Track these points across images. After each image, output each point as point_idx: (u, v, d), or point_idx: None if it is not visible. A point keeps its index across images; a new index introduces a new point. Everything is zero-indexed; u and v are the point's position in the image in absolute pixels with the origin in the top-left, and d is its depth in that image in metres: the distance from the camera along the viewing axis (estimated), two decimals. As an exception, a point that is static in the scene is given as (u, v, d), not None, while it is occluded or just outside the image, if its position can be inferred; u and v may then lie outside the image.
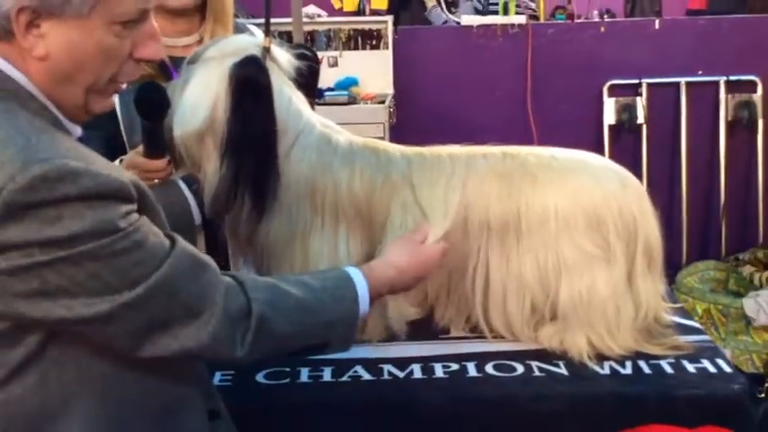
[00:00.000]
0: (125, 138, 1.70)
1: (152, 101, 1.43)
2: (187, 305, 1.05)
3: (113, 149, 1.61)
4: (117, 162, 1.59)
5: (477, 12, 4.20)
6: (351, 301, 1.22)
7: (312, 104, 1.57)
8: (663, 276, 1.55)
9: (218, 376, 1.44)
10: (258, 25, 1.88)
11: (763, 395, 2.20)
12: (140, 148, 1.52)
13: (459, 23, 4.19)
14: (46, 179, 0.93)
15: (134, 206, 1.02)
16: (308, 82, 1.53)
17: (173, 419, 1.14)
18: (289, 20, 3.31)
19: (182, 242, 1.08)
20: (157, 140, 1.47)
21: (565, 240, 1.45)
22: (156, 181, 1.53)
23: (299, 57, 1.50)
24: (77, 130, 1.12)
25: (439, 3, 4.62)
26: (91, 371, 1.05)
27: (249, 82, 1.37)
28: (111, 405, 1.07)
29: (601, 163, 1.56)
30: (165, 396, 1.13)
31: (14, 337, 1.00)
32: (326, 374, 1.44)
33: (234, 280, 1.13)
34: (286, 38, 3.34)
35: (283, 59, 1.47)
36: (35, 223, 0.93)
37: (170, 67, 1.71)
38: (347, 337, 1.23)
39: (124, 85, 1.13)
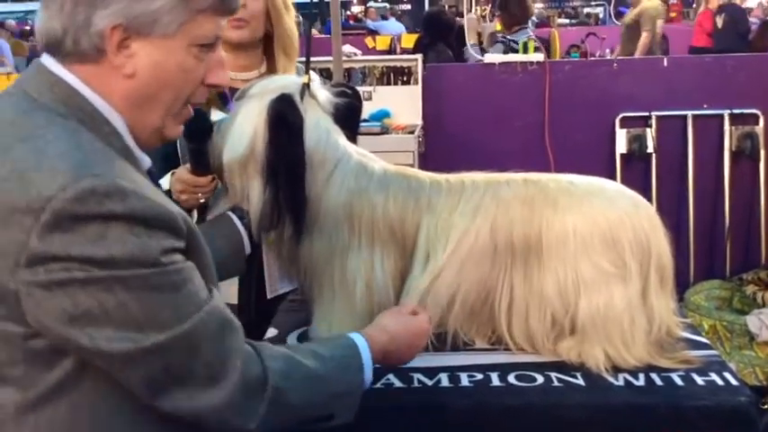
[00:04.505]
0: (180, 156, 1.73)
1: (195, 126, 1.46)
2: (208, 366, 0.95)
3: (169, 166, 1.66)
4: (169, 175, 1.63)
5: (504, 52, 4.21)
6: (357, 371, 1.15)
7: (354, 138, 1.59)
8: (674, 293, 1.53)
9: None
10: (300, 63, 1.91)
11: (766, 406, 2.15)
12: (188, 165, 1.59)
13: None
14: (95, 193, 0.87)
15: (181, 243, 0.94)
16: (347, 116, 1.54)
17: None
18: (329, 58, 3.36)
19: (217, 298, 0.98)
20: (201, 160, 1.53)
21: (583, 259, 1.44)
22: (202, 199, 1.57)
23: (341, 94, 1.52)
24: (147, 161, 1.05)
25: (479, 42, 4.64)
26: (122, 410, 0.95)
27: (281, 117, 1.40)
28: None
29: (615, 188, 1.55)
30: None
31: (51, 357, 0.92)
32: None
33: (250, 347, 1.02)
34: (325, 75, 3.37)
35: (322, 96, 1.50)
36: (79, 237, 0.86)
37: (228, 97, 1.74)
38: (352, 408, 1.15)
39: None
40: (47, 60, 0.99)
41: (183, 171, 1.61)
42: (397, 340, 1.26)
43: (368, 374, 1.16)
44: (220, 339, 0.96)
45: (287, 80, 1.53)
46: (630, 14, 8.32)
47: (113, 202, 0.87)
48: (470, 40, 5.14)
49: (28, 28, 14.36)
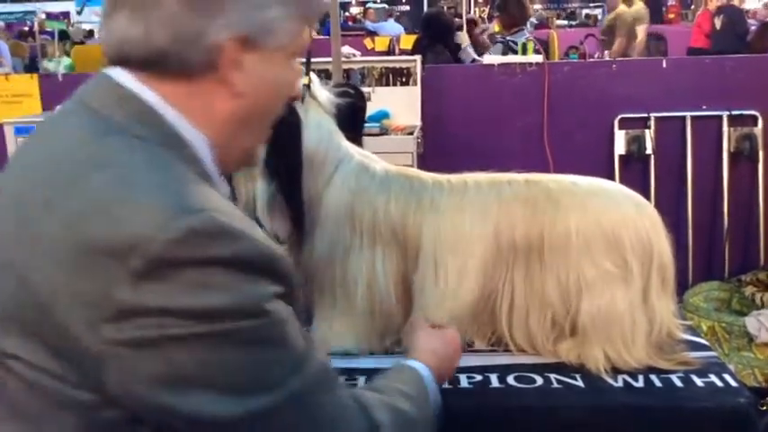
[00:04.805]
0: None
1: None
2: (320, 427, 0.82)
3: None
4: None
5: (504, 52, 4.21)
6: (428, 404, 1.06)
7: (359, 139, 1.59)
8: (675, 294, 1.53)
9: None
10: (300, 64, 1.90)
11: (765, 408, 2.16)
12: None
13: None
14: (197, 234, 0.72)
15: (281, 288, 0.79)
16: (349, 117, 1.55)
17: None
18: (328, 59, 3.35)
19: (315, 346, 0.84)
20: None
21: (585, 260, 1.44)
22: None
23: (343, 94, 1.53)
24: (226, 189, 0.93)
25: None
26: None
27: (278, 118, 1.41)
28: None
29: (617, 188, 1.56)
30: None
31: (124, 429, 0.76)
32: (361, 383, 1.43)
33: (352, 398, 0.89)
34: (324, 76, 3.37)
35: (323, 96, 1.49)
36: (177, 286, 0.71)
37: None
38: None
39: None
40: (117, 73, 0.83)
41: None
42: (444, 360, 1.21)
43: (436, 402, 1.10)
44: (330, 392, 0.84)
45: None
46: (607, 19, 8.35)
47: (218, 245, 0.73)
48: (465, 41, 5.16)
49: (27, 29, 14.35)
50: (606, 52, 7.87)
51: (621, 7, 7.93)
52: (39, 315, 0.73)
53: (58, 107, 0.88)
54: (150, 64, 0.81)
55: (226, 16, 0.80)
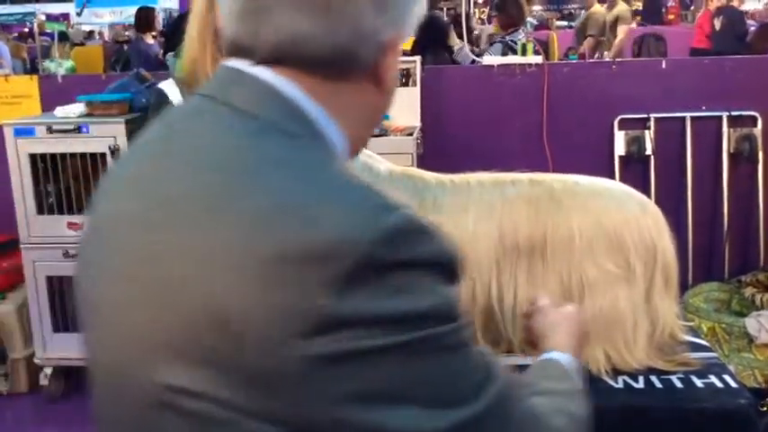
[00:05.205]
0: None
1: None
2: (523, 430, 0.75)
3: None
4: None
5: (503, 53, 4.21)
6: (582, 395, 0.97)
7: None
8: (678, 295, 1.53)
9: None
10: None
11: (765, 409, 2.15)
12: None
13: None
14: (402, 233, 0.65)
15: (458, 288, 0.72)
16: None
17: None
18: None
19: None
20: None
21: (588, 260, 1.44)
22: None
23: None
24: None
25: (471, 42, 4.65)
26: None
27: None
28: None
29: (620, 189, 1.55)
30: None
31: None
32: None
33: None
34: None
35: None
36: (382, 291, 0.63)
37: None
38: None
39: None
40: (259, 71, 0.75)
41: None
42: (579, 340, 1.11)
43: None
44: (519, 399, 0.78)
45: None
46: (581, 18, 8.38)
47: (419, 245, 0.67)
48: (457, 43, 5.16)
49: (27, 30, 14.35)
50: (606, 53, 7.90)
51: (596, 7, 7.97)
52: (215, 336, 0.63)
53: (175, 110, 0.83)
54: (319, 62, 0.75)
55: (391, 14, 0.77)
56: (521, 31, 4.89)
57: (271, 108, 0.74)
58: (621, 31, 7.76)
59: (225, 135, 0.73)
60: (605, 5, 8.10)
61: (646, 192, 3.79)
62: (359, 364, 0.63)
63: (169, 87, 1.86)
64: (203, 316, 0.64)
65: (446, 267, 0.69)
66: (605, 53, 7.48)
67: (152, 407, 0.68)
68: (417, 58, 4.12)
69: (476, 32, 6.79)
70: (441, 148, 3.87)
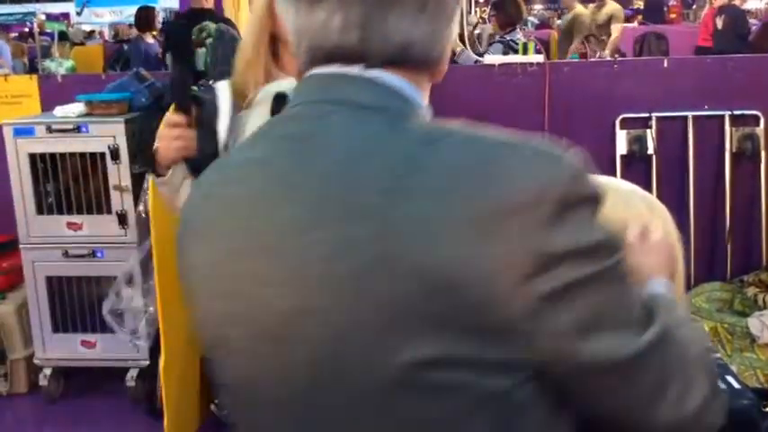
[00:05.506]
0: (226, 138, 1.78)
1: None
2: (680, 362, 0.77)
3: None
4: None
5: (504, 52, 4.21)
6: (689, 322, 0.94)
7: None
8: (684, 294, 1.52)
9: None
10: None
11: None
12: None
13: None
14: (579, 171, 0.73)
15: None
16: None
17: None
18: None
19: None
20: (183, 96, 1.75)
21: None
22: (177, 142, 1.68)
23: None
24: None
25: (465, 45, 4.64)
26: None
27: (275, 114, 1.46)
28: None
29: (628, 187, 1.54)
30: None
31: (535, 409, 0.73)
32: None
33: None
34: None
35: None
36: (578, 226, 0.70)
37: None
38: None
39: None
40: (376, 73, 0.81)
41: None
42: (670, 267, 1.11)
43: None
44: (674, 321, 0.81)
45: (284, 84, 1.57)
46: (566, 19, 8.37)
47: (588, 182, 0.74)
48: (458, 45, 5.16)
49: (27, 30, 14.36)
50: (599, 52, 7.90)
51: (579, 8, 7.97)
52: (448, 299, 0.67)
53: (280, 120, 0.87)
54: (419, 62, 0.84)
55: (453, 21, 0.87)
56: (518, 30, 4.89)
57: (394, 101, 0.80)
58: (615, 29, 7.78)
59: (368, 126, 0.77)
60: (593, 5, 8.09)
61: (647, 190, 3.78)
62: (572, 296, 0.69)
63: (223, 89, 1.84)
64: (429, 283, 0.68)
65: (601, 201, 0.75)
66: (598, 53, 7.48)
67: (383, 390, 0.70)
68: (418, 58, 4.12)
69: (477, 32, 6.79)
70: (442, 148, 3.87)
